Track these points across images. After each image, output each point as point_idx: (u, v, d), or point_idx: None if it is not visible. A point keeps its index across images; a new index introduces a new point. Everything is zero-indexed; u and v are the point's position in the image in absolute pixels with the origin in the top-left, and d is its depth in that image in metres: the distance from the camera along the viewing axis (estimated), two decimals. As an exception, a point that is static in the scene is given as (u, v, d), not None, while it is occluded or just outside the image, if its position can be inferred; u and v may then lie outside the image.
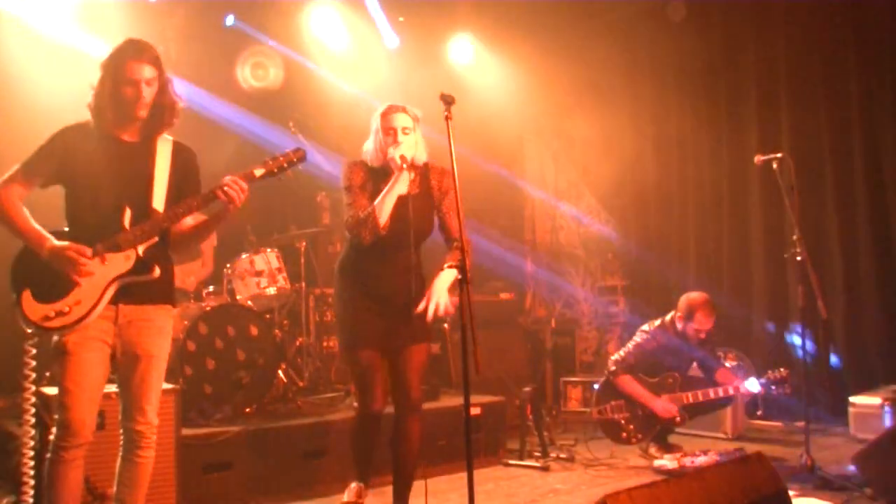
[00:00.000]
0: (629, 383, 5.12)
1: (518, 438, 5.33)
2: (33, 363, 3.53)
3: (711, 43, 7.11)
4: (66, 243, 2.88)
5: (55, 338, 2.93)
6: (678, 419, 5.06)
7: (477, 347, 3.05)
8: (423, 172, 3.74)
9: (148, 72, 2.98)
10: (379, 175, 3.66)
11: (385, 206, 3.55)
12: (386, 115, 3.70)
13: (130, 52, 2.98)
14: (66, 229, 3.01)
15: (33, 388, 3.60)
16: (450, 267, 3.49)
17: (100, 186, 2.97)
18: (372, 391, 3.69)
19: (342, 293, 3.79)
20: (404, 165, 3.54)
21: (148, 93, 2.99)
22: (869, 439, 4.56)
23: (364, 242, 3.61)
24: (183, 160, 3.15)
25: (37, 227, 2.95)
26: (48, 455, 2.93)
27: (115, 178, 2.99)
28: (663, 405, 5.05)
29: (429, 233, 3.75)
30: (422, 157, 3.72)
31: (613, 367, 5.14)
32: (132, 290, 2.98)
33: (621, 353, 5.23)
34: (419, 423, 3.80)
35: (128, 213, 2.97)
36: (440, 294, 3.51)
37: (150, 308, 3.05)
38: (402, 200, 3.60)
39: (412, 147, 3.64)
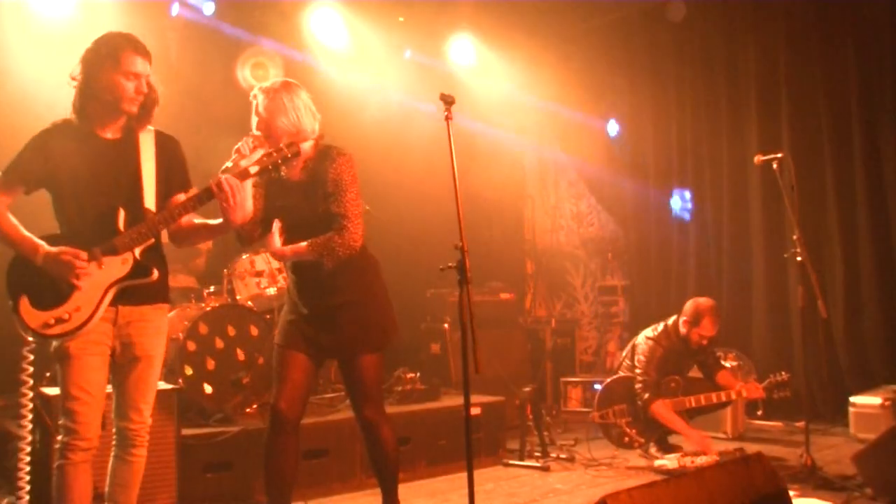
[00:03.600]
0: (664, 411, 5.00)
1: (518, 438, 5.33)
2: (31, 368, 3.50)
3: (711, 43, 7.12)
4: (60, 247, 2.83)
5: (55, 343, 2.88)
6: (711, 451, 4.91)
7: (477, 347, 3.04)
8: (318, 157, 3.39)
9: (146, 67, 2.94)
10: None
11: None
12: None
13: (128, 44, 2.92)
14: (58, 233, 2.94)
15: (31, 392, 3.58)
16: (308, 243, 3.30)
17: (88, 189, 2.91)
18: (278, 388, 3.39)
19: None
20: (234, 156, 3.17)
21: (144, 87, 2.95)
22: (869, 439, 4.56)
23: (243, 246, 3.60)
24: (168, 151, 3.09)
25: (28, 234, 2.88)
26: (56, 462, 2.88)
27: (103, 180, 2.93)
28: (699, 439, 4.97)
29: (324, 221, 3.35)
30: (303, 136, 3.33)
31: (646, 395, 5.01)
32: (131, 292, 2.94)
33: (639, 372, 5.09)
34: (381, 433, 3.50)
35: (122, 215, 2.91)
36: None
37: (148, 308, 3.02)
38: (284, 190, 3.41)
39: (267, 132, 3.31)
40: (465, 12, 7.22)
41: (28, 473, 3.62)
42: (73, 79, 2.94)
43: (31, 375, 3.54)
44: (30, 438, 3.64)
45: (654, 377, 5.06)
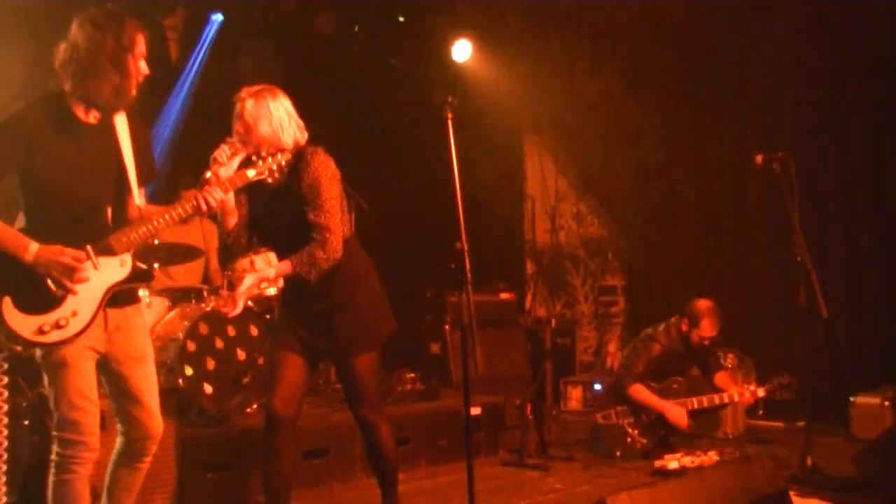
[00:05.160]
0: (641, 391, 5.04)
1: (518, 438, 5.33)
2: (6, 365, 3.36)
3: (712, 42, 7.11)
4: (57, 247, 2.60)
5: (41, 351, 2.67)
6: (690, 427, 4.97)
7: (477, 347, 3.05)
8: (295, 159, 3.28)
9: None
10: None
11: (222, 217, 3.32)
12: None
13: (137, 26, 2.72)
14: (33, 227, 2.68)
15: (6, 392, 3.47)
16: (290, 260, 3.25)
17: (73, 179, 2.68)
18: (272, 388, 3.39)
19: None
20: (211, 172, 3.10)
21: (146, 68, 2.77)
22: (869, 439, 4.57)
23: (231, 255, 3.62)
24: (140, 134, 2.89)
25: (10, 228, 2.62)
26: (58, 476, 2.71)
27: (90, 169, 2.71)
28: (677, 414, 4.99)
29: (306, 226, 3.29)
30: (282, 143, 3.23)
31: (624, 380, 5.05)
32: (116, 294, 2.76)
33: (626, 361, 5.14)
34: (379, 433, 3.51)
35: (109, 209, 2.73)
36: (245, 284, 3.31)
37: (130, 309, 2.88)
38: (266, 196, 3.35)
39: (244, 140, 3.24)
40: (465, 12, 7.23)
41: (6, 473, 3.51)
42: (71, 52, 2.67)
43: (6, 372, 3.40)
44: (6, 444, 3.52)
45: (640, 370, 5.07)
